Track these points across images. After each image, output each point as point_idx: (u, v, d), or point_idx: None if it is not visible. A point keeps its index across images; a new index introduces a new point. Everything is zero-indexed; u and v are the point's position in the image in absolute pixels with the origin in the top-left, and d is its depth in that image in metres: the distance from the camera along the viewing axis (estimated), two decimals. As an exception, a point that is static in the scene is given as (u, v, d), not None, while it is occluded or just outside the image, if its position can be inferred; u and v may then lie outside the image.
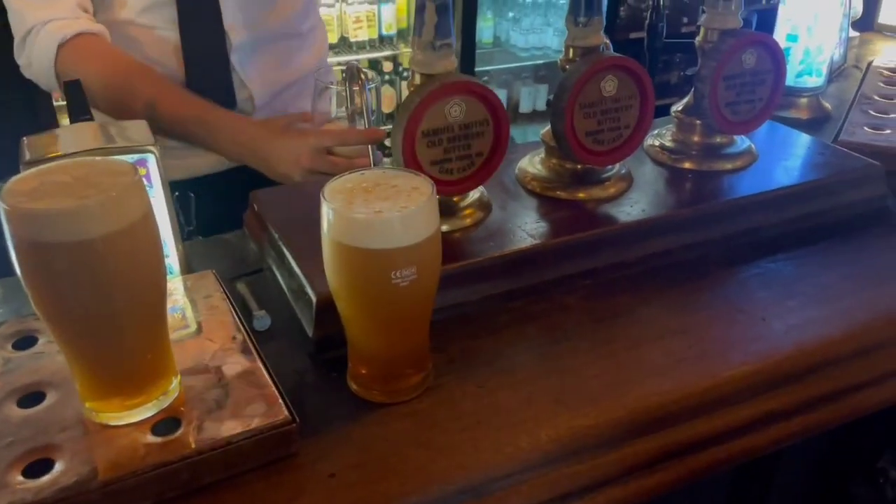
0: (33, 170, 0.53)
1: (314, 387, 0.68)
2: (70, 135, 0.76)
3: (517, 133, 3.54)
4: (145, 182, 0.77)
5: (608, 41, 0.99)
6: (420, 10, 0.75)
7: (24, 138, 0.76)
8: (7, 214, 0.49)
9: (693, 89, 0.93)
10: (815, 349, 0.72)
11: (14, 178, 0.52)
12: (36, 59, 1.10)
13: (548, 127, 0.89)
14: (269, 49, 1.24)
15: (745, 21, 1.23)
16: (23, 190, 0.51)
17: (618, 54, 0.85)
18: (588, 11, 0.83)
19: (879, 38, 1.78)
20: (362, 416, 0.64)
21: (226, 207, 1.13)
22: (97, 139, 0.74)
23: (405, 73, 3.08)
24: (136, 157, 0.75)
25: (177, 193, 1.01)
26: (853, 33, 1.69)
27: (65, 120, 2.91)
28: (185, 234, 1.12)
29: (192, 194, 1.10)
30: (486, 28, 3.16)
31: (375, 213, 0.58)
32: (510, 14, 3.18)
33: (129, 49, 1.14)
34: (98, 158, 0.57)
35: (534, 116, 3.40)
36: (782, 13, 1.23)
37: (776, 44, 0.91)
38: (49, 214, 0.49)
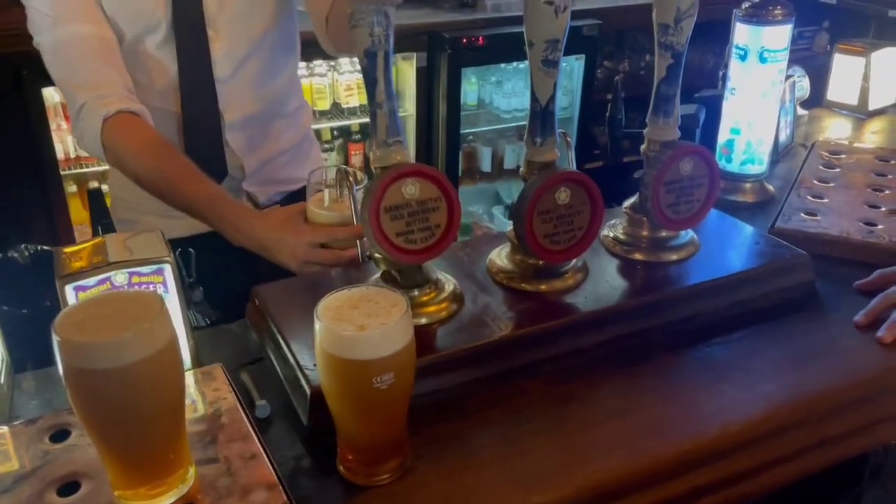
0: (80, 302, 0.66)
1: (308, 470, 0.79)
2: (96, 249, 0.88)
3: (503, 187, 3.70)
4: (162, 288, 0.89)
5: (569, 139, 1.13)
6: (373, 116, 0.87)
7: (55, 251, 0.88)
8: (59, 345, 0.61)
9: (639, 192, 1.06)
10: (738, 430, 0.84)
11: (64, 311, 0.64)
12: (86, 131, 1.27)
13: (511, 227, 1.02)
14: (258, 127, 1.46)
15: (694, 116, 1.37)
16: (72, 323, 0.63)
17: (570, 170, 0.99)
18: (543, 134, 0.97)
19: (828, 114, 1.93)
20: (350, 498, 0.75)
21: (224, 260, 1.27)
22: (121, 253, 0.87)
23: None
24: (154, 267, 0.87)
25: (179, 250, 1.15)
26: (802, 111, 1.84)
27: (70, 186, 3.02)
28: (186, 284, 1.26)
29: (191, 250, 1.25)
30: (470, 92, 3.33)
31: (359, 330, 0.70)
32: (493, 78, 3.36)
33: None
34: (132, 291, 0.69)
35: (517, 172, 3.55)
36: (726, 109, 1.37)
37: (710, 153, 1.05)
38: (94, 346, 0.61)
